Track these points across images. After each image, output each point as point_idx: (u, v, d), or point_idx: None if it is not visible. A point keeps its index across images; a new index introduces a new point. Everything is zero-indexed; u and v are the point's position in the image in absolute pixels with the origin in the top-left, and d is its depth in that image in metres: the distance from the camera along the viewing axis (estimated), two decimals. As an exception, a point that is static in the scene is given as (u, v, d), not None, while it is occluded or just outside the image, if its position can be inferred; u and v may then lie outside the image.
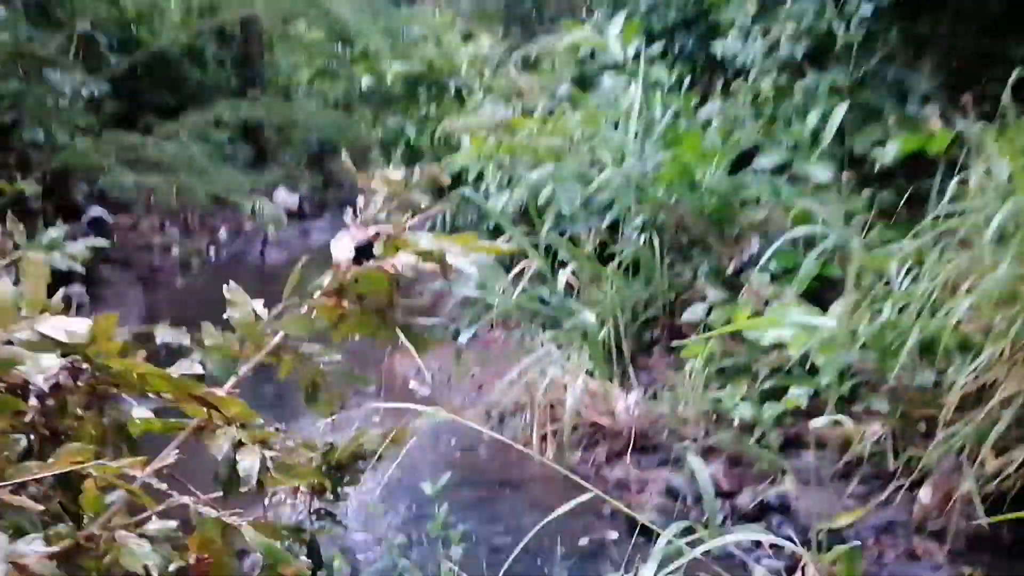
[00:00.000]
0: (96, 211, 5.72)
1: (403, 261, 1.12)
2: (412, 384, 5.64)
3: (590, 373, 4.22)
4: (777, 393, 3.59)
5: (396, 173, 1.29)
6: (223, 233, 12.44)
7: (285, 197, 14.57)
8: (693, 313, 3.90)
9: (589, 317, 4.18)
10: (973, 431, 2.96)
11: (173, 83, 12.95)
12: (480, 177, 4.76)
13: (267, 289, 1.36)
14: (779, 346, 3.57)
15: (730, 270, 4.04)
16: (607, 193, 4.10)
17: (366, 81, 6.45)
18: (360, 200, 1.25)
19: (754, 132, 4.22)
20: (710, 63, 4.67)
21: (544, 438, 4.24)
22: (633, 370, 4.27)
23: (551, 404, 4.38)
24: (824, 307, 3.58)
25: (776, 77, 4.12)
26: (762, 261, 3.76)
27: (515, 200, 4.86)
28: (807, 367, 3.51)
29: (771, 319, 3.52)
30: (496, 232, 5.06)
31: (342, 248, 1.14)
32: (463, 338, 5.06)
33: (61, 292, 1.08)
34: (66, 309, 1.06)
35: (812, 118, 3.92)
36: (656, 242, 4.31)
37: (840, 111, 3.54)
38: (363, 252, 1.15)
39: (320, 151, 15.92)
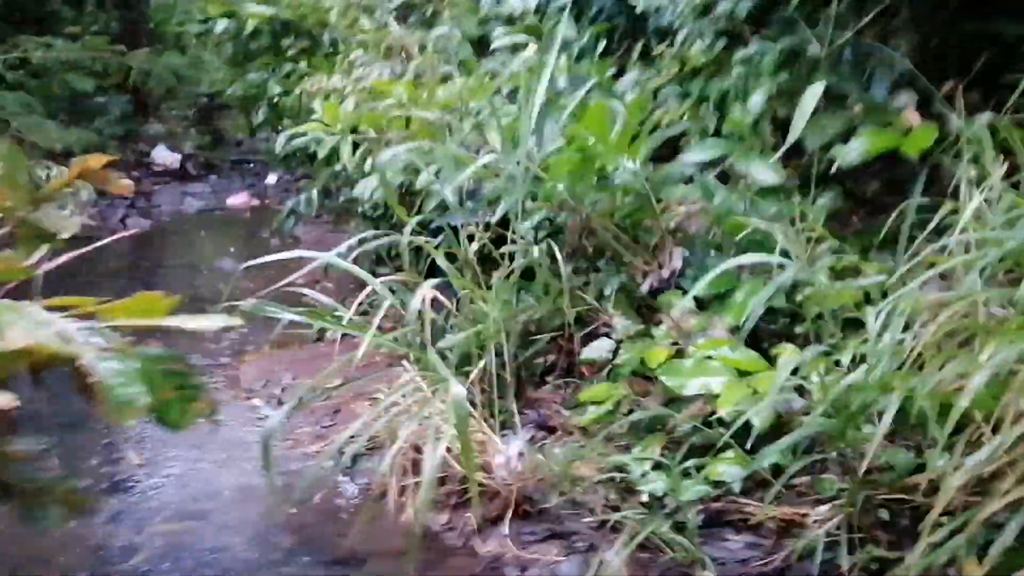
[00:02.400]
0: None
1: None
2: (256, 400, 4.67)
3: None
4: (699, 452, 2.75)
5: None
6: (85, 195, 11.10)
7: (165, 155, 13.26)
8: (596, 350, 3.01)
9: (460, 339, 3.27)
10: (965, 541, 2.16)
11: (42, 20, 11.50)
12: (335, 154, 3.80)
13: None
14: (707, 396, 2.73)
15: (645, 288, 3.16)
16: (495, 183, 3.17)
17: (221, 25, 5.38)
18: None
19: (680, 114, 3.35)
20: (631, 22, 3.75)
21: (403, 491, 3.32)
22: (519, 409, 3.37)
23: (416, 446, 3.48)
24: (765, 349, 2.75)
25: (711, 43, 3.24)
26: (687, 282, 2.90)
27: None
28: (742, 423, 2.68)
29: (696, 366, 2.67)
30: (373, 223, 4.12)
31: None
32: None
33: None
34: None
35: (756, 100, 3.04)
36: (556, 248, 3.41)
37: (813, 95, 2.65)
38: None
39: (210, 105, 14.62)
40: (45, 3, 11.97)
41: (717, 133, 3.14)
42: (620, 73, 3.54)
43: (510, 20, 4.42)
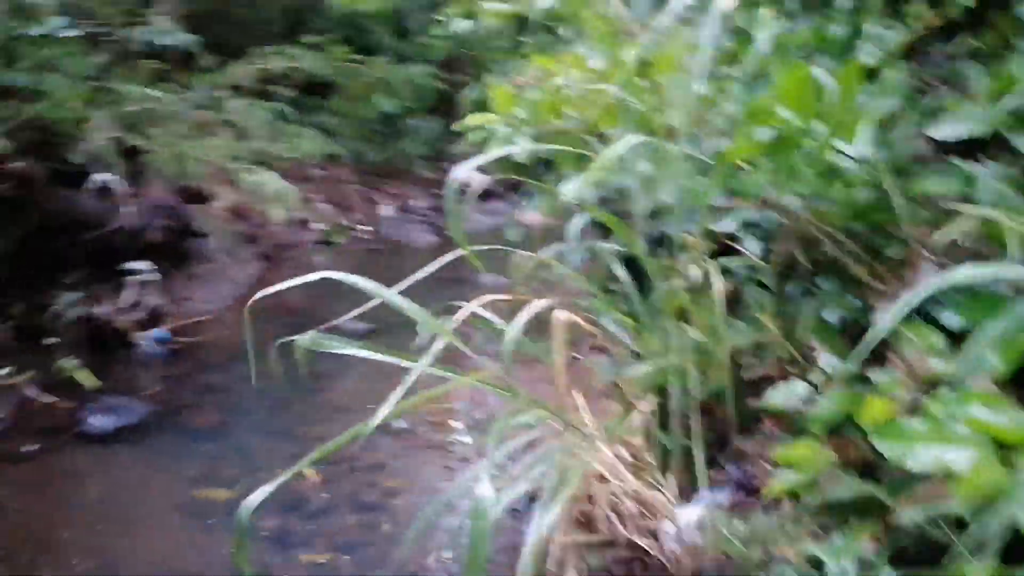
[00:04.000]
0: (102, 177, 4.85)
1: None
2: (456, 423, 4.31)
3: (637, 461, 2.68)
4: (927, 553, 1.91)
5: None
6: (391, 211, 11.64)
7: (473, 176, 13.50)
8: (785, 395, 2.24)
9: (640, 371, 2.64)
10: None
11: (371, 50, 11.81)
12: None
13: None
14: (944, 475, 1.87)
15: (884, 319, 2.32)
16: (674, 186, 2.51)
17: (462, 25, 5.10)
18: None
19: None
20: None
21: (565, 553, 2.75)
22: (707, 464, 2.66)
23: (589, 497, 2.90)
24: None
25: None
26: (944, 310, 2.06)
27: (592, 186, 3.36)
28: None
29: (931, 429, 1.83)
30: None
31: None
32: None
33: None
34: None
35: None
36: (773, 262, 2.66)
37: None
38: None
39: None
40: (371, 33, 12.74)
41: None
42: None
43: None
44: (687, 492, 2.70)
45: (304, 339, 2.25)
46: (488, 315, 2.89)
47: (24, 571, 3.02)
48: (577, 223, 3.00)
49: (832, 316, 2.42)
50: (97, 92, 4.53)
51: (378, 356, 2.26)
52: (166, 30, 5.72)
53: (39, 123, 4.27)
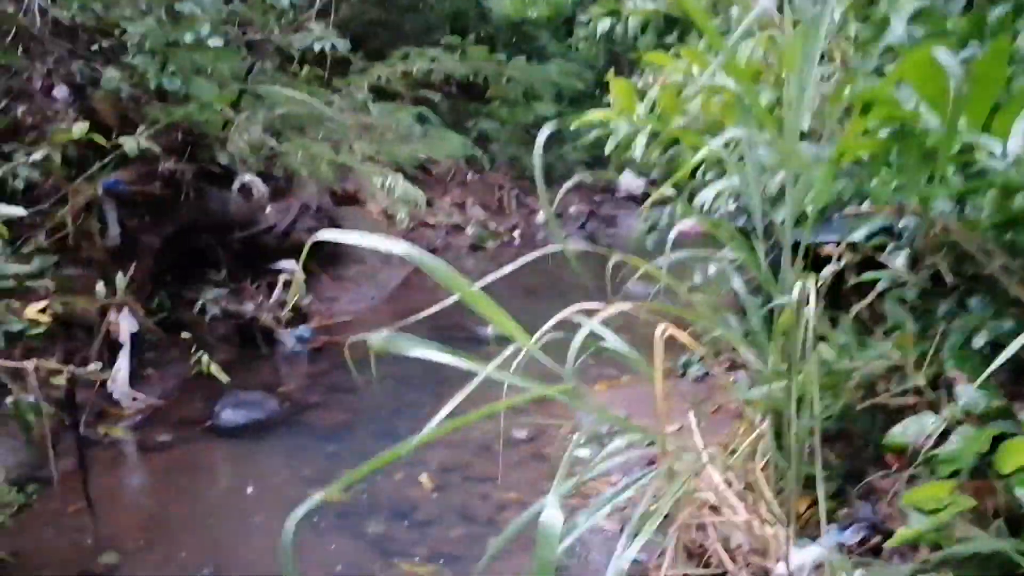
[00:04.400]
0: (247, 178, 4.96)
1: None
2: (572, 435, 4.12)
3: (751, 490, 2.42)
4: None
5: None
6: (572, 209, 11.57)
7: (631, 181, 13.31)
8: (909, 431, 1.94)
9: (758, 391, 2.39)
10: None
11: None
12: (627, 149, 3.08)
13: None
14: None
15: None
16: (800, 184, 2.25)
17: (604, 25, 4.89)
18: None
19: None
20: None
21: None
22: (833, 498, 2.38)
23: (698, 526, 2.67)
24: None
25: None
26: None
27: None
28: None
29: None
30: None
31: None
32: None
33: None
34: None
35: None
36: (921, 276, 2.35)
37: None
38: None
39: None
40: (536, 39, 12.72)
41: None
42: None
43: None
44: (809, 528, 2.43)
45: (377, 338, 2.14)
46: (603, 330, 2.71)
47: (135, 554, 3.10)
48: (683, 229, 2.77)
49: (980, 340, 2.10)
50: (243, 96, 4.69)
51: (449, 359, 2.11)
52: (322, 36, 5.87)
53: (187, 126, 4.45)
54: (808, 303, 2.08)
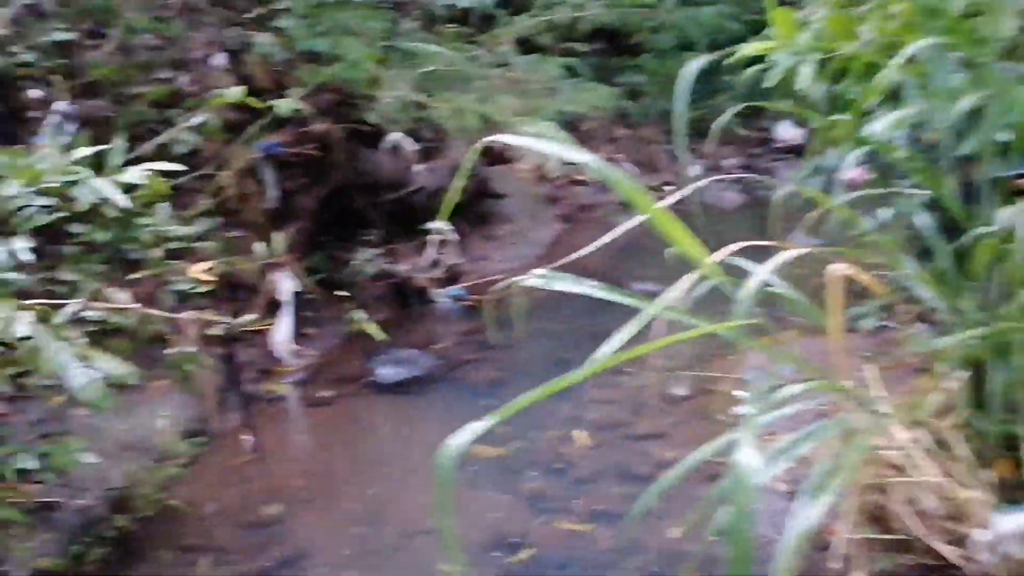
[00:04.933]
0: (396, 137, 4.94)
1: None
2: (742, 392, 3.92)
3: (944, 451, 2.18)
4: None
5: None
6: (697, 169, 11.19)
7: (789, 131, 12.68)
8: None
9: (950, 341, 2.14)
10: None
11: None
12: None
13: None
14: None
15: None
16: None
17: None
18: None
19: None
20: None
21: (851, 549, 2.33)
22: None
23: (878, 487, 2.44)
24: None
25: None
26: None
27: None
28: None
29: None
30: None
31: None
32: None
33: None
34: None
35: None
36: None
37: None
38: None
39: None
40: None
41: None
42: None
43: None
44: (1009, 491, 2.18)
45: (532, 279, 2.03)
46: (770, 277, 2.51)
47: (299, 505, 3.17)
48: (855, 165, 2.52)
49: None
50: (390, 53, 4.68)
51: (603, 294, 1.96)
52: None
53: (336, 86, 4.48)
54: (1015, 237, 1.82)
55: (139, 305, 2.25)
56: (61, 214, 3.03)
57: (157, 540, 2.97)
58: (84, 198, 2.41)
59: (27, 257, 2.32)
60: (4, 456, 2.48)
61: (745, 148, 12.38)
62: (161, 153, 3.77)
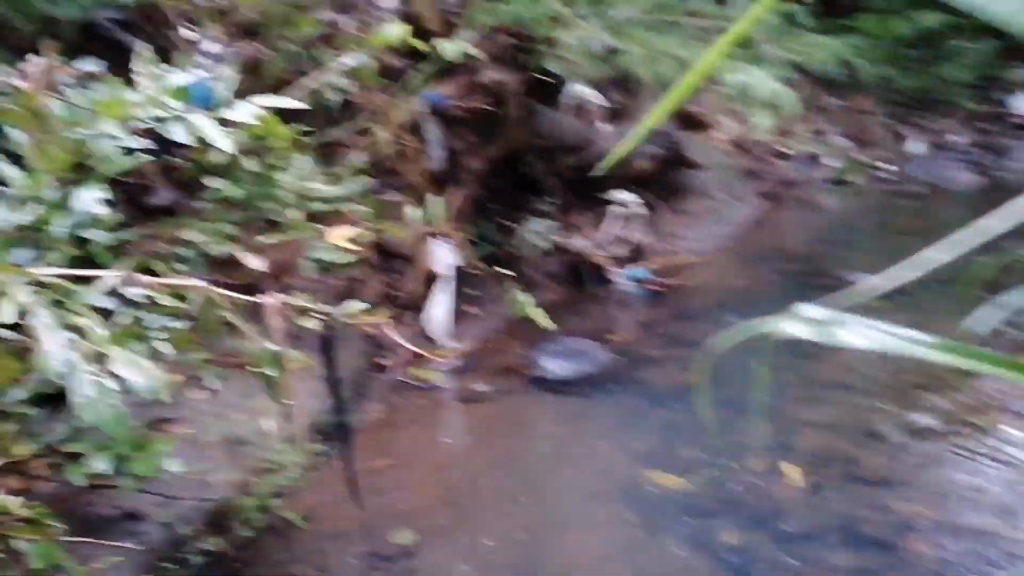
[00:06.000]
0: (579, 90, 4.21)
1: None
2: (1009, 429, 3.00)
3: None
4: None
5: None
6: (919, 148, 9.83)
7: (1025, 104, 11.05)
8: None
9: None
10: None
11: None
12: None
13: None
14: None
15: None
16: None
17: None
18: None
19: None
20: None
21: None
22: None
23: None
24: None
25: None
26: None
27: None
28: None
29: None
30: None
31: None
32: None
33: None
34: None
35: None
36: None
37: None
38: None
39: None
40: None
41: None
42: None
43: None
44: None
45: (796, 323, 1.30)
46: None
47: (435, 535, 2.57)
48: None
49: None
50: (577, -9, 3.98)
51: (875, 344, 1.22)
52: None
53: (513, 29, 3.82)
54: None
55: (202, 283, 1.69)
56: (179, 162, 2.56)
57: (255, 568, 2.43)
58: (178, 137, 1.88)
59: (100, 210, 1.82)
60: (76, 455, 2.02)
61: (975, 123, 10.83)
62: (307, 102, 3.26)
